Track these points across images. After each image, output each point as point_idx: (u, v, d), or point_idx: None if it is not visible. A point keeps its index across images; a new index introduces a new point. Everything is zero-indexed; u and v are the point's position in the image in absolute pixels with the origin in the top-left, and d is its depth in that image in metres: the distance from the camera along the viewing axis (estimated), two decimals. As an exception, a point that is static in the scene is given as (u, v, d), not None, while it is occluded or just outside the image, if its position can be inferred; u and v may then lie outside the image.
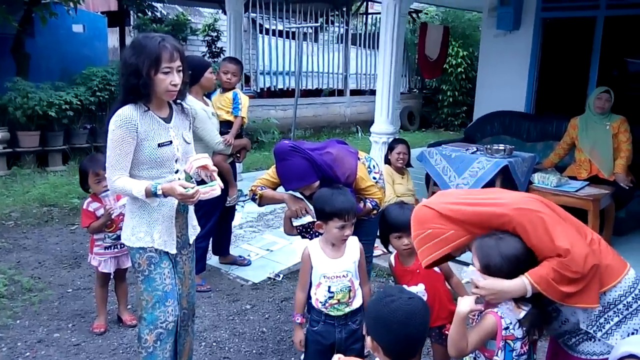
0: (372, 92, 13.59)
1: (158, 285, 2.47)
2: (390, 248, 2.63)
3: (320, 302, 2.51)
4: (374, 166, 3.25)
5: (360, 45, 13.22)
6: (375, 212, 3.04)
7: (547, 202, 1.94)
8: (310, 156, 2.83)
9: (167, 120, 2.47)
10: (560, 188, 4.62)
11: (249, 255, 4.75)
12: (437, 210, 1.97)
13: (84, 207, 3.32)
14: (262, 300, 3.97)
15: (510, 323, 1.85)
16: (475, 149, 5.13)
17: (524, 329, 1.86)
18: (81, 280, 4.25)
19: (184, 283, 2.65)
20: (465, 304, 1.79)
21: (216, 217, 4.13)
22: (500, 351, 1.84)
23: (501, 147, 4.91)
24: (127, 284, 3.63)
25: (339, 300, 2.49)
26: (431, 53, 9.38)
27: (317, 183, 2.87)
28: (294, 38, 11.67)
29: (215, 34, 11.52)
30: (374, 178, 3.15)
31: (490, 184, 4.85)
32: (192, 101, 3.86)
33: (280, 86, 11.61)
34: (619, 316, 1.83)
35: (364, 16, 14.69)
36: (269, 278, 4.36)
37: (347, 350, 2.52)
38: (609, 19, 5.84)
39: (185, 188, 2.29)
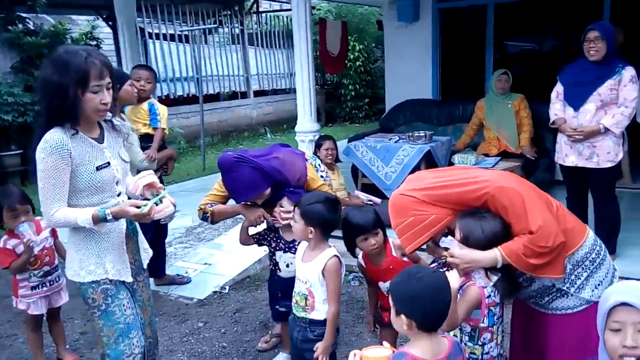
0: (275, 92, 13.65)
1: (118, 318, 2.34)
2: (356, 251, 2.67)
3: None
4: (319, 165, 3.30)
5: (257, 45, 13.15)
6: None
7: (519, 177, 2.09)
8: (258, 164, 2.80)
9: (100, 140, 2.29)
10: (479, 165, 4.92)
11: (186, 272, 4.62)
12: (416, 197, 2.03)
13: (1, 245, 3.01)
14: (214, 316, 3.88)
15: (492, 291, 2.00)
16: (398, 138, 5.33)
17: (500, 294, 2.01)
18: (2, 328, 3.86)
19: (144, 311, 2.53)
20: (453, 280, 1.88)
21: (150, 237, 3.97)
22: (485, 318, 2.00)
23: (422, 133, 5.15)
24: (62, 323, 3.40)
25: (297, 301, 2.54)
26: (332, 48, 9.53)
27: (269, 190, 2.86)
28: (187, 42, 11.39)
29: (95, 42, 10.56)
30: (322, 176, 3.19)
31: (416, 169, 5.08)
32: None
33: (179, 93, 11.26)
34: (587, 271, 2.02)
35: (257, 15, 14.65)
36: (215, 292, 4.26)
37: (301, 352, 2.57)
38: (498, 6, 6.27)
39: (138, 207, 2.17)
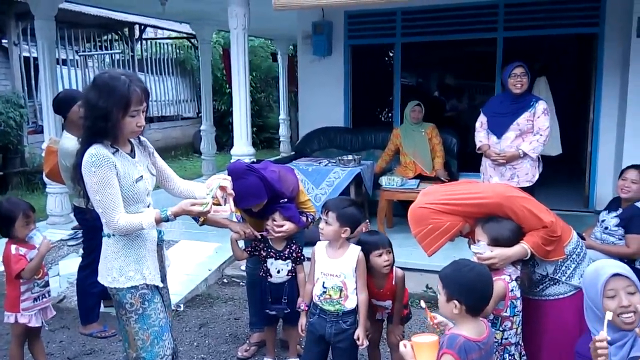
0: (162, 119, 13.45)
1: (154, 321, 2.44)
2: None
3: (317, 295, 2.82)
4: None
5: (147, 72, 12.93)
6: (312, 224, 3.38)
7: (514, 187, 2.56)
8: (263, 175, 3.04)
9: (132, 155, 2.45)
10: (404, 186, 5.50)
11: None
12: (432, 209, 2.45)
13: (13, 252, 2.98)
14: (180, 332, 3.91)
15: (514, 287, 2.41)
16: (327, 162, 5.73)
17: (520, 288, 2.44)
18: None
19: (169, 314, 2.64)
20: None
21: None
22: (507, 308, 2.39)
23: (351, 157, 5.61)
24: (42, 340, 3.32)
25: (330, 296, 2.78)
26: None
27: (266, 200, 3.09)
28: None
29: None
30: None
31: (345, 191, 5.52)
32: (70, 139, 3.66)
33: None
34: (574, 263, 2.51)
35: (140, 42, 14.36)
36: (172, 310, 4.26)
37: (335, 344, 2.83)
38: (404, 44, 7.02)
39: (200, 205, 2.34)
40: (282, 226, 3.16)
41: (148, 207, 2.48)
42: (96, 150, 2.25)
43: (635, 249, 3.60)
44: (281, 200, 3.17)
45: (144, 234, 2.42)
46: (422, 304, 2.21)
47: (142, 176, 2.42)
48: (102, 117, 2.24)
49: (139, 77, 2.45)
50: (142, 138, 2.57)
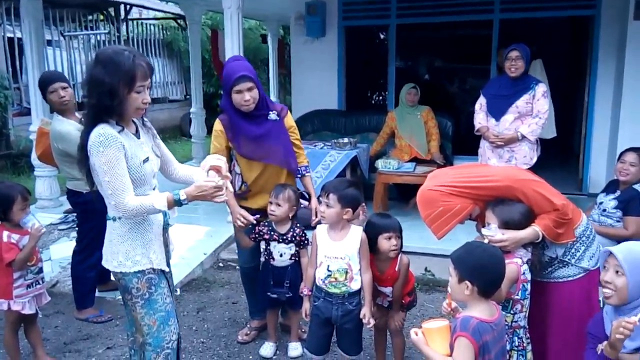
0: (155, 101, 13.27)
1: (160, 307, 2.40)
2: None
3: (321, 279, 2.78)
4: None
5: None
6: (308, 174, 3.41)
7: (525, 170, 2.52)
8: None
9: (137, 136, 2.37)
10: (400, 170, 5.46)
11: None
12: (442, 192, 2.41)
13: (5, 240, 2.89)
14: (177, 316, 3.85)
15: (526, 269, 2.39)
16: (323, 145, 5.67)
17: (530, 271, 2.41)
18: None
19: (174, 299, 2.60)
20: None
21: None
22: (519, 291, 2.38)
23: (346, 140, 5.55)
24: (39, 326, 3.26)
25: (336, 278, 2.75)
26: (224, 58, 9.65)
27: (257, 94, 3.06)
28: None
29: None
30: None
31: (341, 174, 5.46)
32: (61, 122, 3.58)
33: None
34: (584, 245, 2.49)
35: (126, 22, 14.10)
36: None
37: (341, 326, 2.81)
38: (400, 26, 6.94)
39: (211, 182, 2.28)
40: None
41: (154, 189, 2.42)
42: (103, 130, 2.17)
43: (634, 230, 3.63)
44: (270, 112, 3.17)
45: (150, 218, 2.36)
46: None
47: (148, 157, 2.36)
48: (107, 93, 2.15)
49: (141, 53, 2.37)
50: (145, 119, 2.50)
